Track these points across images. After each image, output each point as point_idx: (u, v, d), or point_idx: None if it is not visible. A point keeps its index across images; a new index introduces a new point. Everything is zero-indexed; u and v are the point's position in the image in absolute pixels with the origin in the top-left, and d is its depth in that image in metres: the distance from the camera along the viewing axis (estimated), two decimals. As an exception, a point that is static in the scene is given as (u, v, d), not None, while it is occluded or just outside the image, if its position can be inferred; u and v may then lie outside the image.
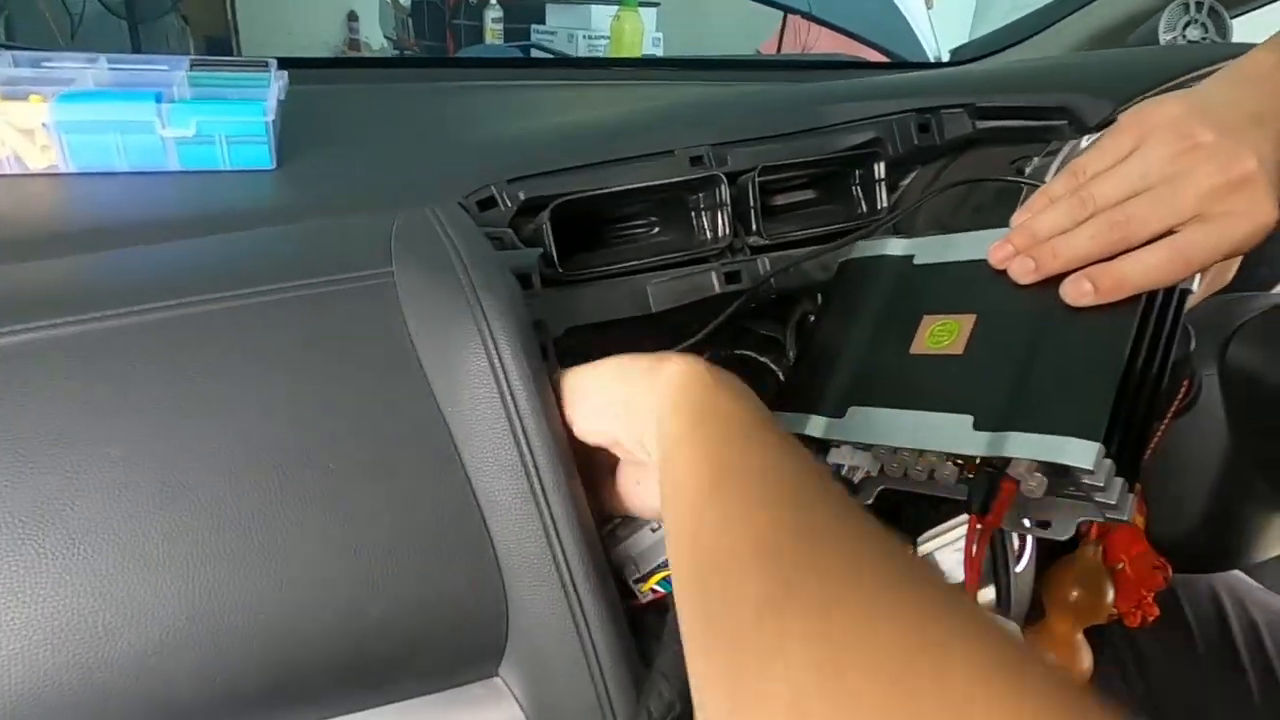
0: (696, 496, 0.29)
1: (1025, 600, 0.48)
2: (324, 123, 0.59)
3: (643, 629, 0.38)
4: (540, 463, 0.35)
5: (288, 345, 0.35)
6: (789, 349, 0.59)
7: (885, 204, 0.59)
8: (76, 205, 0.44)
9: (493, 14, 2.33)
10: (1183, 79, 0.57)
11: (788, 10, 1.49)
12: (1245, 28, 0.89)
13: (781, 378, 0.58)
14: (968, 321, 0.43)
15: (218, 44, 2.88)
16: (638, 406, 0.34)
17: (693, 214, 0.54)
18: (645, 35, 2.14)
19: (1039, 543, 0.48)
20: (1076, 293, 0.39)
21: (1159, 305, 0.38)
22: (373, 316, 0.37)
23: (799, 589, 0.24)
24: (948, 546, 0.44)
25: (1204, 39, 0.85)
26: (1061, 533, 0.36)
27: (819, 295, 0.59)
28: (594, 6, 2.25)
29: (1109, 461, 0.34)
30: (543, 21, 2.36)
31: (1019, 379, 0.39)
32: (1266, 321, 0.56)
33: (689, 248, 0.54)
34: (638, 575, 0.41)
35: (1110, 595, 0.53)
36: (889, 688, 0.20)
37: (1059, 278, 0.40)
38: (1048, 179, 0.52)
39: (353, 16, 3.28)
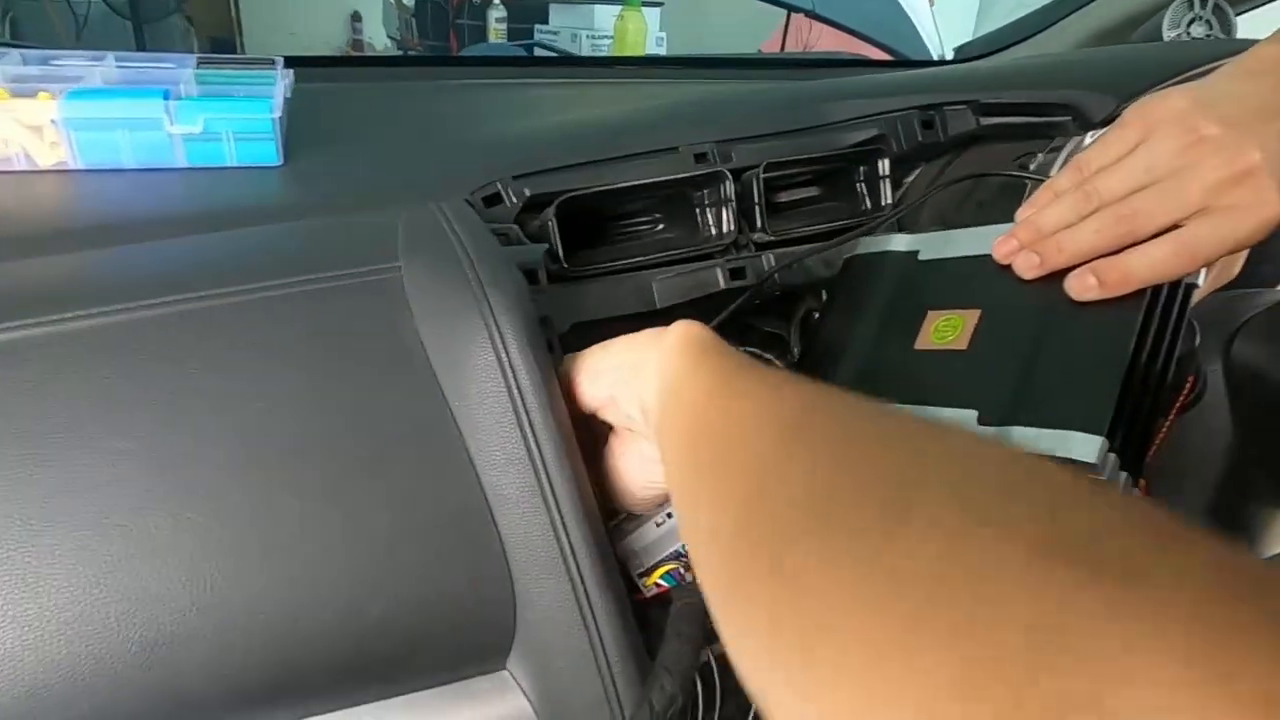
0: (715, 423, 0.30)
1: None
2: (330, 120, 0.59)
3: (646, 623, 0.38)
4: (547, 457, 0.35)
5: (294, 340, 0.36)
6: (793, 345, 0.59)
7: (889, 200, 0.59)
8: (85, 201, 0.45)
9: (496, 14, 2.34)
10: (1187, 75, 0.57)
11: (792, 9, 1.49)
12: (1250, 24, 0.89)
13: (786, 374, 0.58)
14: (972, 316, 0.43)
15: (221, 44, 2.90)
16: (642, 367, 0.35)
17: (697, 210, 0.55)
18: (648, 35, 2.14)
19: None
20: (1081, 287, 0.39)
21: (1164, 300, 0.38)
22: (379, 312, 0.37)
23: (853, 469, 0.23)
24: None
25: (1208, 35, 0.85)
26: None
27: (823, 292, 0.59)
28: (597, 6, 2.25)
29: (1113, 456, 0.34)
30: (546, 21, 2.37)
31: (1023, 374, 0.39)
32: (1271, 318, 0.56)
33: (693, 244, 0.54)
34: (642, 569, 0.41)
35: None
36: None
37: (1064, 272, 0.40)
38: (1052, 174, 0.52)
39: (356, 17, 3.29)
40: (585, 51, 2.21)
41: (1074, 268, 0.39)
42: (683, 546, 0.40)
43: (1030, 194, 0.50)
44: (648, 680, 0.36)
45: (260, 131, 0.47)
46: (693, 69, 0.97)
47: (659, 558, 0.40)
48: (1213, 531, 0.16)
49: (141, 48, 2.48)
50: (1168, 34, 0.85)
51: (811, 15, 1.21)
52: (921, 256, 0.48)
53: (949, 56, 1.15)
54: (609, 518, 0.41)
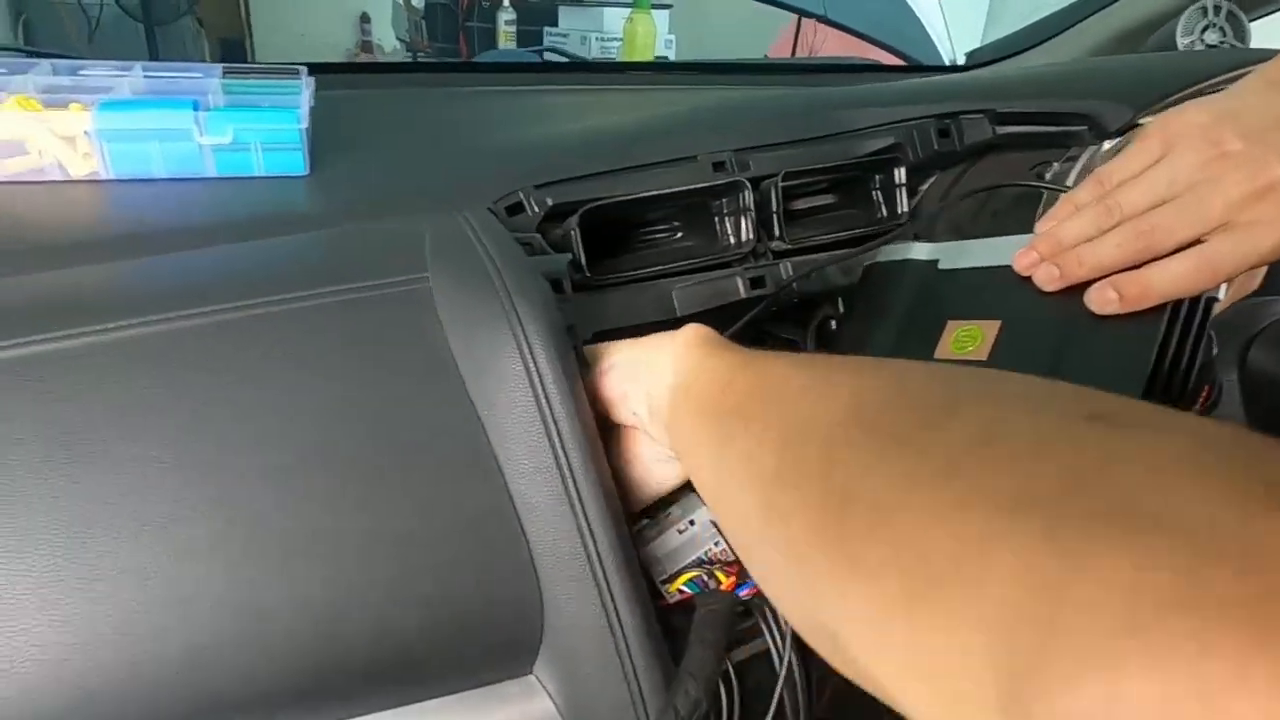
0: (741, 405, 0.31)
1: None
2: (349, 128, 0.60)
3: (670, 629, 0.39)
4: (574, 464, 0.36)
5: (329, 350, 0.36)
6: (809, 352, 0.60)
7: (905, 209, 0.60)
8: (118, 211, 0.45)
9: (505, 16, 2.34)
10: (1203, 85, 0.57)
11: (803, 14, 1.49)
12: (1262, 31, 0.89)
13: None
14: (992, 328, 0.43)
15: (231, 46, 2.91)
16: (651, 364, 0.37)
17: (716, 219, 0.55)
18: (658, 37, 2.15)
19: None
20: (1101, 301, 0.39)
21: (1185, 313, 0.39)
22: (410, 321, 0.38)
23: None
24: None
25: (1222, 43, 0.85)
26: None
27: (839, 299, 0.59)
28: (606, 9, 2.26)
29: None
30: (555, 24, 2.37)
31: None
32: (1287, 326, 0.56)
33: (712, 252, 0.54)
34: (665, 576, 0.41)
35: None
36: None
37: (1084, 285, 0.40)
38: (1068, 184, 0.53)
39: (365, 18, 3.30)
40: (594, 53, 2.22)
41: (1094, 281, 0.40)
42: (705, 553, 0.41)
43: (1047, 203, 0.50)
44: (672, 686, 0.36)
45: (288, 142, 0.48)
46: (707, 74, 0.97)
47: (682, 564, 0.41)
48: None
49: (153, 50, 2.49)
50: (1181, 40, 0.85)
51: (823, 20, 1.21)
52: (941, 266, 0.49)
53: (960, 61, 1.16)
54: (631, 523, 0.41)
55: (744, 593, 0.39)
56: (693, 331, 0.37)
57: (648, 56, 2.09)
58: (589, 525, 0.36)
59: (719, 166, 0.55)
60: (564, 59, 1.80)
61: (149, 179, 0.47)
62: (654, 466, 0.40)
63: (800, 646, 0.39)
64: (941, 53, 1.28)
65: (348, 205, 0.49)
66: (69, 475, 0.32)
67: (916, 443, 0.23)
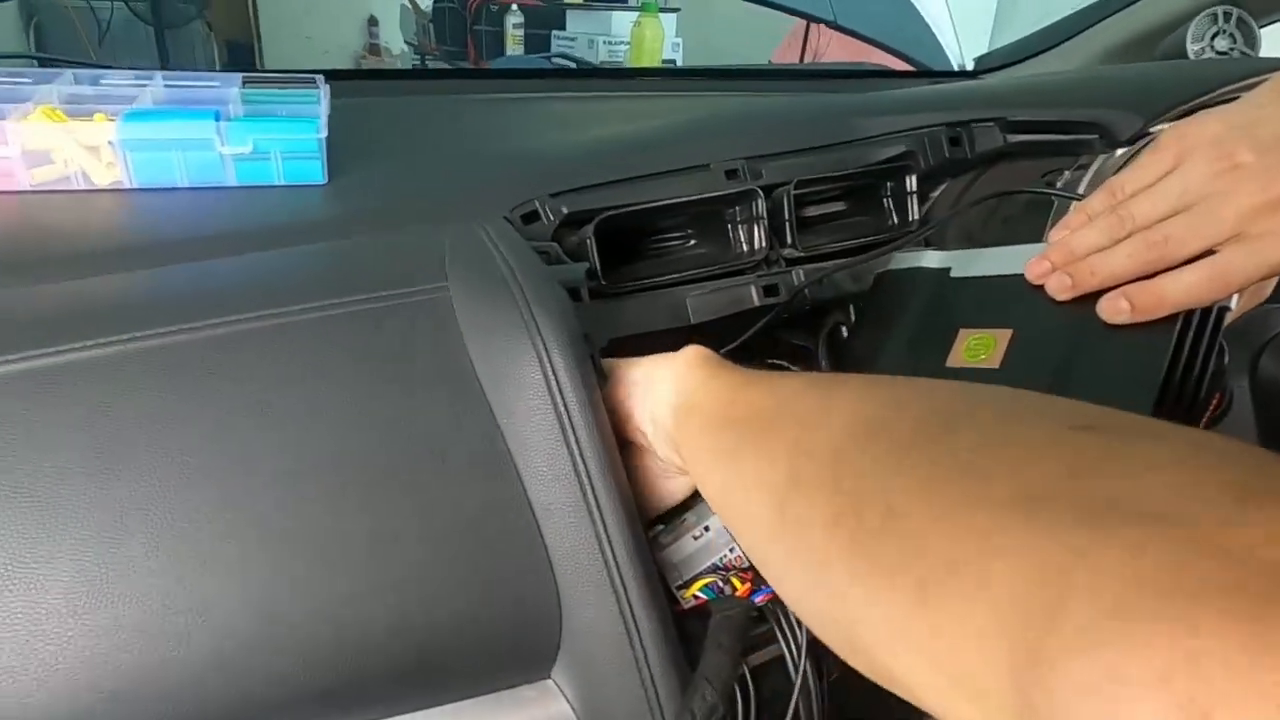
0: (742, 425, 0.33)
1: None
2: (363, 135, 0.61)
3: (684, 635, 0.39)
4: (592, 472, 0.36)
5: (350, 358, 0.37)
6: (821, 359, 0.60)
7: (916, 216, 0.60)
8: (140, 220, 0.46)
9: (513, 20, 2.35)
10: (1214, 94, 0.58)
11: (812, 19, 1.50)
12: (1273, 38, 0.89)
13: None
14: (1004, 336, 0.44)
15: (239, 49, 2.93)
16: (653, 384, 0.38)
17: (729, 227, 0.56)
18: (665, 40, 2.15)
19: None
20: (1113, 310, 0.39)
21: (1196, 324, 0.39)
22: (430, 331, 0.38)
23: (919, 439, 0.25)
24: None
25: (1232, 49, 0.86)
26: None
27: (850, 305, 0.60)
28: (614, 12, 2.27)
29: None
30: (563, 27, 2.38)
31: (1055, 395, 0.39)
32: (1298, 334, 0.57)
33: (725, 260, 0.55)
34: (680, 582, 0.42)
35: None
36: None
37: (1096, 294, 0.40)
38: (1079, 192, 0.53)
39: (373, 21, 3.32)
40: (602, 56, 2.22)
41: (1106, 290, 0.40)
42: (720, 559, 0.41)
43: (1058, 212, 0.51)
44: (688, 690, 0.37)
45: (307, 151, 0.49)
46: (718, 80, 0.98)
47: (697, 570, 0.42)
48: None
49: (163, 52, 2.51)
50: (1192, 47, 0.85)
51: (831, 25, 1.22)
52: (954, 274, 0.49)
53: (968, 66, 1.16)
54: (646, 529, 0.42)
55: (759, 599, 0.40)
56: (692, 352, 0.38)
57: (655, 59, 2.09)
58: (607, 532, 0.36)
59: (732, 174, 0.56)
60: (572, 64, 1.80)
61: (170, 188, 0.48)
62: (661, 480, 0.41)
63: (814, 652, 0.39)
64: (950, 57, 1.28)
65: (365, 213, 0.49)
66: (100, 483, 0.32)
67: (923, 450, 0.24)
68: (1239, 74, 0.59)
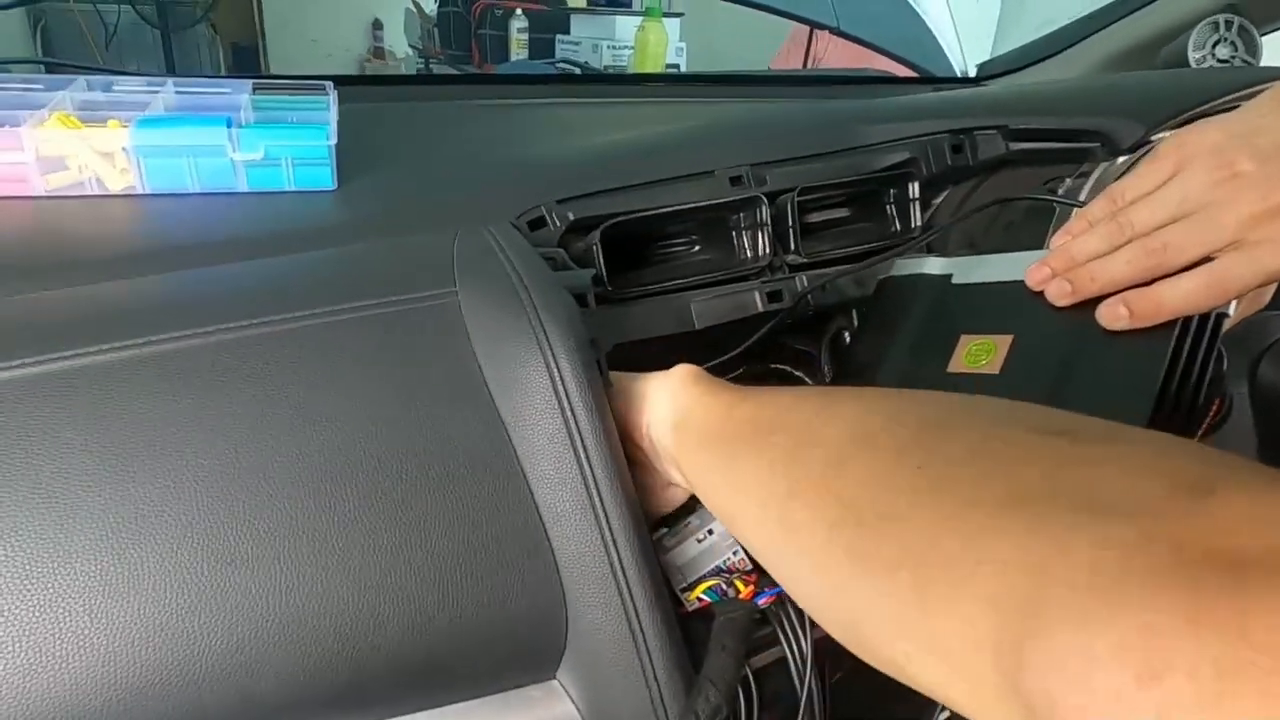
0: (747, 437, 0.34)
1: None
2: (371, 140, 0.61)
3: (689, 637, 0.39)
4: (599, 476, 0.37)
5: (360, 363, 0.37)
6: (824, 364, 0.60)
7: (919, 222, 0.61)
8: (153, 225, 0.47)
9: (518, 24, 2.36)
10: (1215, 103, 0.58)
11: (816, 26, 1.50)
12: (1274, 47, 0.89)
13: (817, 392, 0.60)
14: (1005, 342, 0.44)
15: (244, 51, 2.95)
16: (647, 399, 0.40)
17: (733, 233, 0.56)
18: (669, 45, 2.16)
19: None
20: (1112, 316, 0.40)
21: (1195, 329, 0.39)
22: (439, 336, 0.39)
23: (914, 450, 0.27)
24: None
25: (1233, 58, 0.86)
26: None
27: (853, 311, 0.60)
28: (618, 17, 2.27)
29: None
30: (567, 32, 2.39)
31: (1054, 400, 0.40)
32: (1297, 341, 0.57)
33: (730, 266, 0.55)
34: (684, 584, 0.42)
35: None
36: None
37: (1096, 300, 0.41)
38: (1081, 199, 0.53)
39: (377, 25, 3.34)
40: (606, 61, 2.23)
41: (1106, 297, 0.41)
42: (724, 562, 0.42)
43: (1059, 219, 0.51)
44: (692, 692, 0.37)
45: (317, 157, 0.50)
46: (723, 86, 0.99)
47: (701, 573, 0.42)
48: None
49: (169, 55, 2.53)
50: (1193, 55, 0.86)
51: (836, 32, 1.22)
52: (955, 280, 0.50)
53: (971, 72, 1.16)
54: (650, 532, 0.42)
55: (762, 601, 0.40)
56: (683, 371, 0.39)
57: (659, 64, 2.10)
58: (612, 535, 0.37)
59: (736, 181, 0.56)
60: (577, 69, 1.81)
61: (183, 193, 0.49)
62: (660, 491, 0.42)
63: (817, 653, 0.40)
64: (952, 63, 1.28)
65: (374, 218, 0.50)
66: (117, 485, 0.33)
67: (915, 457, 0.26)
68: (1240, 82, 0.59)
